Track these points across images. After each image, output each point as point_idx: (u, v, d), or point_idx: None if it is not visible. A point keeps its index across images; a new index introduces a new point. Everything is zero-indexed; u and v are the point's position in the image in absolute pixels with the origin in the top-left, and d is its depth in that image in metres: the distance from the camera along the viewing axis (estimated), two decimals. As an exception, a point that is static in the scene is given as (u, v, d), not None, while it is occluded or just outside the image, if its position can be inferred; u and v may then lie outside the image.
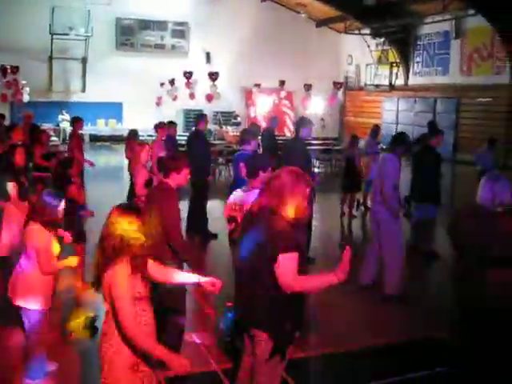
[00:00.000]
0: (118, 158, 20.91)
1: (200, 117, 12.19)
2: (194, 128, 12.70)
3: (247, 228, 4.18)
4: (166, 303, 4.97)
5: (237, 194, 5.82)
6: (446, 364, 5.47)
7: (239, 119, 29.55)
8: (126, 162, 12.24)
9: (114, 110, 28.63)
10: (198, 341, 6.32)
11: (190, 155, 11.45)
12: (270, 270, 3.89)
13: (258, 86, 29.87)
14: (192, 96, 28.51)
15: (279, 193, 4.01)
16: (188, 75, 28.02)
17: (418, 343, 6.54)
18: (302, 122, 9.43)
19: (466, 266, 5.03)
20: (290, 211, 4.00)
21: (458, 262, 5.26)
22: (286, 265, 3.86)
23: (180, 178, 5.72)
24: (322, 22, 32.00)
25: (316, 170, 18.44)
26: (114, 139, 26.42)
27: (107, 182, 16.70)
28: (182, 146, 14.20)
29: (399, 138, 8.40)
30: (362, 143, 15.35)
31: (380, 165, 8.30)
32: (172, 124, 13.39)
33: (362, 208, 13.73)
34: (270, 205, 4.01)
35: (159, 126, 12.45)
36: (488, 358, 4.99)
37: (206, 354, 6.01)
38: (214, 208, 11.56)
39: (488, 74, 24.86)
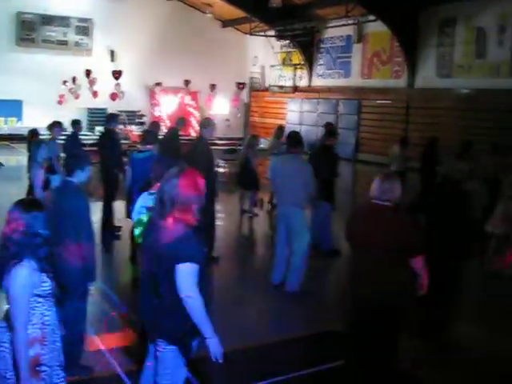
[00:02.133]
0: (18, 158, 20.31)
1: (111, 116, 11.99)
2: (104, 127, 12.49)
3: (149, 235, 4.13)
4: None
5: (145, 198, 5.78)
6: (344, 357, 5.60)
7: (144, 119, 29.23)
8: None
9: (14, 107, 27.54)
10: (101, 345, 6.23)
11: (101, 155, 11.31)
12: (170, 278, 3.85)
13: (159, 84, 29.61)
14: (95, 94, 27.98)
15: (175, 197, 3.94)
16: (91, 73, 27.49)
17: (318, 338, 6.69)
18: (205, 123, 9.44)
19: (361, 265, 5.19)
20: (186, 217, 3.94)
21: (354, 260, 5.40)
22: (186, 273, 3.83)
23: (83, 176, 5.63)
24: (227, 23, 32.11)
25: (221, 169, 18.48)
26: (14, 138, 25.54)
27: (7, 182, 16.14)
28: (85, 145, 13.93)
29: (294, 138, 8.54)
30: (267, 144, 15.53)
31: (287, 165, 8.34)
32: (76, 123, 13.11)
33: (269, 206, 13.88)
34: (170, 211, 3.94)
35: (53, 126, 12.04)
36: (378, 353, 5.21)
37: (110, 358, 5.93)
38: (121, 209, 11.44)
39: (387, 77, 25.70)
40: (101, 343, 6.23)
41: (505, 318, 7.62)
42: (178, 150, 13.87)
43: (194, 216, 3.95)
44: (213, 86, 30.38)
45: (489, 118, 20.54)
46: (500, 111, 20.27)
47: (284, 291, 8.14)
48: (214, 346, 3.92)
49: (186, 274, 3.80)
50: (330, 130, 11.36)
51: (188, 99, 30.61)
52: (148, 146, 8.93)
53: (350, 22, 26.04)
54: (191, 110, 30.52)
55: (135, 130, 26.84)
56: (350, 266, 5.41)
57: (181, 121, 15.32)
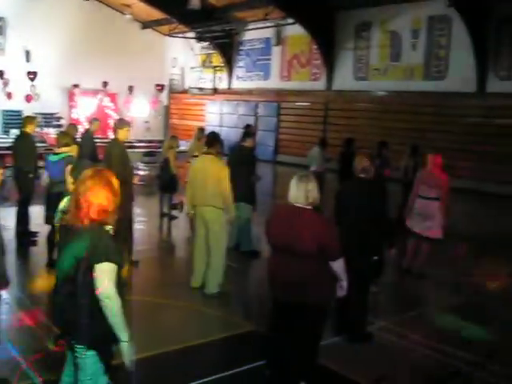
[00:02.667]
0: None
1: (28, 118, 11.64)
2: (20, 130, 12.10)
3: (65, 237, 4.03)
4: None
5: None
6: (266, 356, 5.63)
7: (62, 121, 28.53)
8: None
9: None
10: (18, 355, 6.04)
11: (16, 158, 10.96)
12: (89, 279, 3.78)
13: (77, 86, 29.00)
14: (9, 96, 27.16)
15: (90, 198, 3.87)
16: (4, 74, 26.66)
17: (239, 339, 6.70)
18: (119, 124, 9.28)
19: (280, 266, 5.23)
20: (102, 219, 3.88)
21: (273, 262, 5.43)
22: (104, 273, 3.77)
23: None
24: (147, 24, 31.76)
25: (140, 172, 18.30)
26: None
27: None
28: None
29: (211, 139, 8.53)
30: (187, 145, 15.44)
31: (203, 166, 8.31)
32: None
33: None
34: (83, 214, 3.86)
35: None
36: (298, 352, 5.28)
37: (27, 368, 5.75)
38: (37, 213, 11.14)
39: (306, 79, 26.05)
40: (17, 353, 6.04)
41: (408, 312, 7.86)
42: (94, 152, 13.68)
43: (110, 218, 3.91)
44: (132, 88, 30.00)
45: (403, 119, 21.12)
46: (414, 113, 20.89)
47: (204, 293, 8.11)
48: (127, 352, 3.88)
49: (104, 275, 3.75)
50: (246, 131, 11.39)
51: (107, 101, 30.10)
52: (63, 149, 8.76)
53: (268, 24, 26.26)
54: (110, 112, 30.01)
55: (52, 133, 26.17)
56: (268, 267, 5.42)
57: (94, 122, 15.10)
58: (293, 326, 5.19)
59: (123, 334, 3.84)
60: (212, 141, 8.44)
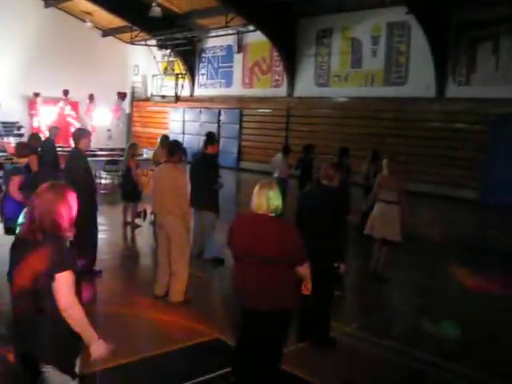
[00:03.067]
0: None
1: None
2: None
3: (21, 250, 3.94)
4: None
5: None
6: (233, 364, 5.59)
7: (23, 130, 28.12)
8: None
9: None
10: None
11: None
12: (49, 291, 3.71)
13: (37, 95, 28.61)
14: (-34, 105, 26.74)
15: (45, 212, 3.82)
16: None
17: (205, 347, 6.65)
18: (78, 133, 9.17)
19: (244, 274, 5.21)
20: (58, 231, 3.83)
21: (237, 269, 5.41)
22: (63, 283, 3.71)
23: None
24: (108, 32, 31.56)
25: (103, 181, 18.12)
26: None
27: None
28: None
29: (172, 147, 8.48)
30: (150, 154, 15.33)
31: (163, 174, 8.26)
32: None
33: (152, 217, 13.68)
34: (41, 225, 3.80)
35: None
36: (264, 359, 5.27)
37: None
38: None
39: (267, 86, 26.13)
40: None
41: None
42: (56, 160, 13.50)
43: (67, 230, 3.85)
44: (93, 96, 29.70)
45: (365, 124, 21.30)
46: (375, 118, 21.08)
47: (169, 302, 8.04)
48: (99, 349, 3.81)
49: (63, 285, 3.68)
50: (206, 138, 11.35)
51: (68, 110, 29.75)
52: (22, 159, 8.63)
53: (230, 31, 26.30)
54: (71, 120, 29.65)
55: (12, 142, 25.77)
56: (234, 276, 5.39)
57: (53, 130, 14.91)
58: (260, 333, 5.18)
59: (91, 337, 3.78)
60: (173, 149, 8.37)
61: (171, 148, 8.43)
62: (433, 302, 8.81)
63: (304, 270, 5.18)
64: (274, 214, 5.11)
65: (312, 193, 7.14)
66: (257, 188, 5.15)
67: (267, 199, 5.07)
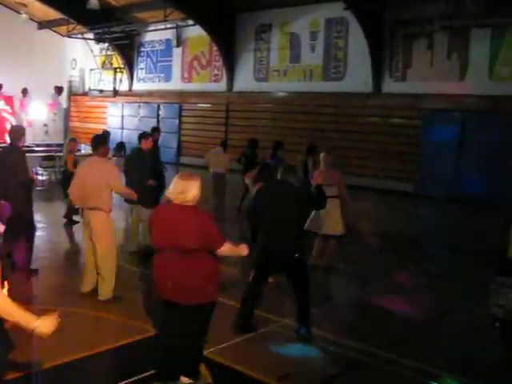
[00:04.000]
0: None
1: None
2: None
3: None
4: None
5: None
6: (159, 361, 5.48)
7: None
8: None
9: None
10: None
11: None
12: None
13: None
14: None
15: None
16: None
17: (143, 343, 6.49)
18: (13, 129, 8.92)
19: (165, 266, 5.17)
20: None
21: (157, 262, 5.36)
22: None
23: None
24: (44, 24, 30.76)
25: (39, 177, 17.66)
26: None
27: None
28: None
29: (94, 140, 8.22)
30: (88, 150, 14.98)
31: (89, 167, 8.03)
32: None
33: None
34: None
35: None
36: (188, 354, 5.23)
37: None
38: None
39: (207, 81, 25.97)
40: None
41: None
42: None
43: None
44: (27, 90, 28.90)
45: (304, 119, 21.39)
46: (314, 113, 21.20)
47: (98, 299, 7.82)
48: (45, 326, 3.61)
49: None
50: (140, 133, 11.21)
51: (2, 104, 28.89)
52: None
53: (169, 26, 26.03)
54: (6, 115, 28.83)
55: None
56: (155, 270, 5.29)
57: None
58: (183, 326, 5.14)
59: (28, 320, 3.57)
60: (97, 142, 8.14)
61: (97, 141, 8.20)
62: (372, 292, 8.87)
63: (226, 248, 5.18)
64: (192, 204, 5.11)
65: (271, 187, 7.19)
66: (175, 178, 5.15)
67: (185, 189, 5.06)
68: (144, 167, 10.19)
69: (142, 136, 10.72)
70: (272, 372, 5.86)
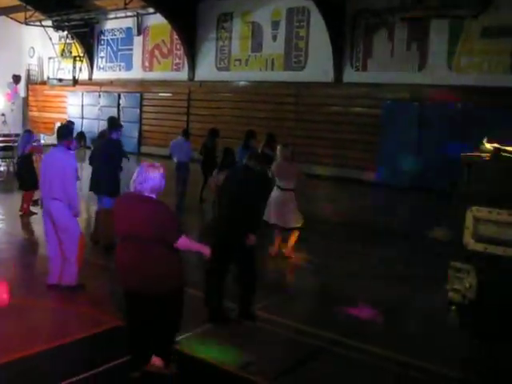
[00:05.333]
0: None
1: None
2: None
3: None
4: None
5: None
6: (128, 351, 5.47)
7: None
8: None
9: None
10: None
11: None
12: None
13: None
14: None
15: None
16: None
17: (107, 334, 6.46)
18: None
19: (127, 256, 5.18)
20: None
21: (118, 252, 5.36)
22: None
23: None
24: (0, 11, 30.09)
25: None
26: None
27: None
28: None
29: (60, 130, 8.14)
30: (48, 139, 14.80)
31: (49, 158, 7.92)
32: None
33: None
34: None
35: None
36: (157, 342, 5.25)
37: None
38: None
39: (168, 70, 25.81)
40: None
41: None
42: None
43: None
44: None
45: (265, 108, 21.42)
46: (275, 102, 21.24)
47: (63, 290, 7.74)
48: None
49: None
50: (111, 123, 11.04)
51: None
52: None
53: (129, 14, 25.77)
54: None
55: None
56: (116, 259, 5.28)
57: None
58: (148, 317, 5.15)
59: None
60: (59, 132, 8.03)
61: (58, 131, 8.10)
62: (331, 280, 8.95)
63: (184, 243, 5.19)
64: (153, 195, 5.13)
65: (236, 174, 7.19)
66: (138, 168, 5.16)
67: (146, 179, 5.07)
68: (113, 157, 10.08)
69: (116, 127, 10.57)
70: (235, 360, 5.89)
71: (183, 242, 5.17)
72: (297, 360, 6.13)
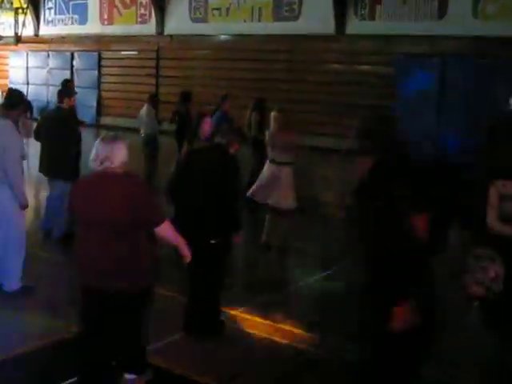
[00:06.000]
0: None
1: None
2: None
3: None
4: None
5: None
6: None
7: None
8: None
9: None
10: None
11: None
12: None
13: None
14: None
15: None
16: None
17: (61, 343, 6.50)
18: None
19: (87, 246, 5.20)
20: None
21: (77, 242, 5.39)
22: None
23: None
24: None
25: None
26: None
27: None
28: None
29: (14, 98, 8.13)
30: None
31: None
32: None
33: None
34: None
35: None
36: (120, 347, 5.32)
37: None
38: None
39: (132, 22, 25.71)
40: None
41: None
42: None
43: None
44: None
45: (250, 67, 21.39)
46: (262, 60, 21.20)
47: (4, 293, 7.76)
48: None
49: None
50: (62, 89, 11.00)
51: None
52: None
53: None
54: None
55: None
56: (76, 249, 5.29)
57: None
58: (110, 318, 5.17)
59: None
60: (15, 102, 8.02)
61: (12, 99, 8.08)
62: (333, 276, 8.99)
63: (164, 229, 5.18)
64: (119, 170, 5.09)
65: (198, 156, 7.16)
66: (97, 142, 5.09)
67: (110, 155, 5.02)
68: (68, 131, 10.03)
69: (68, 93, 10.53)
70: (219, 374, 5.94)
71: (166, 227, 5.18)
72: (287, 371, 6.19)
